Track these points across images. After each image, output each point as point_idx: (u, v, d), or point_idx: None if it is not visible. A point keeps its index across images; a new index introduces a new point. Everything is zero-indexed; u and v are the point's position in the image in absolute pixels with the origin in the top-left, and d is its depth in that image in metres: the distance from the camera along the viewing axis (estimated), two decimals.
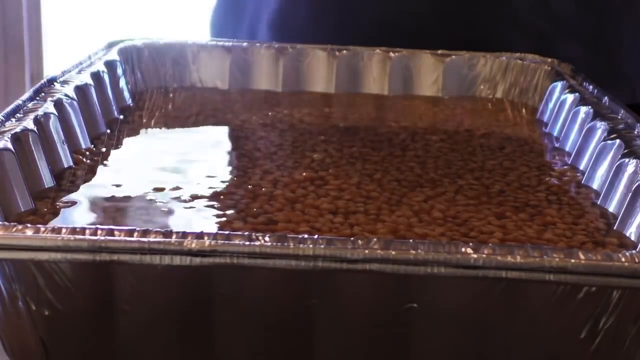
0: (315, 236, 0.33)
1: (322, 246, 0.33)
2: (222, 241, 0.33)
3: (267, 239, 0.33)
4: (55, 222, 0.41)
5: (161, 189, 0.45)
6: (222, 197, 0.44)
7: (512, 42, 0.66)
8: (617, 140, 0.46)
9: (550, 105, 0.59)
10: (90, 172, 0.47)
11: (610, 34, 0.69)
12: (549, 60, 0.64)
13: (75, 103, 0.50)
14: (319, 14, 0.68)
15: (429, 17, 0.67)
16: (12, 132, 0.43)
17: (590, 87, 0.57)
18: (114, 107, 0.56)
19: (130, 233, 0.33)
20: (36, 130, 0.44)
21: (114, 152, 0.51)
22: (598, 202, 0.45)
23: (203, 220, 0.42)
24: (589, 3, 0.68)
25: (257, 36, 0.70)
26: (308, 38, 0.65)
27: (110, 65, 0.58)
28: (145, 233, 0.33)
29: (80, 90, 0.52)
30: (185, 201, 0.44)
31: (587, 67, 0.62)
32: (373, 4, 0.67)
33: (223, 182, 0.47)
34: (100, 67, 0.56)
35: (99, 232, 0.33)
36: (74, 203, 0.43)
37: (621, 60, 0.70)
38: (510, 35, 0.67)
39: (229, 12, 0.75)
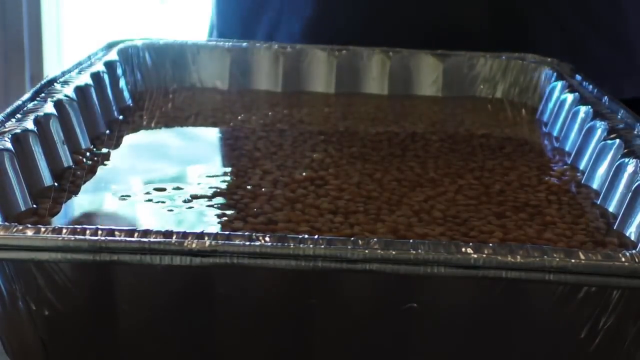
0: (315, 236, 0.33)
1: (322, 246, 0.33)
2: (223, 241, 0.33)
3: (267, 239, 0.33)
4: (55, 222, 0.41)
5: (161, 189, 0.45)
6: (222, 197, 0.44)
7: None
8: (617, 140, 0.46)
9: (550, 105, 0.59)
10: (90, 172, 0.47)
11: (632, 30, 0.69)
12: (549, 60, 0.63)
13: (75, 103, 0.50)
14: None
15: (484, 19, 0.67)
16: (12, 132, 0.43)
17: (590, 86, 0.57)
18: (113, 108, 0.56)
19: (130, 233, 0.33)
20: (36, 131, 0.44)
21: (113, 153, 0.50)
22: (598, 202, 0.45)
23: (203, 220, 0.42)
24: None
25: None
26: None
27: (110, 65, 0.58)
28: (145, 233, 0.33)
29: (80, 90, 0.52)
30: (185, 201, 0.44)
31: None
32: (416, 9, 0.67)
33: (223, 182, 0.47)
34: (100, 67, 0.56)
35: (99, 232, 0.33)
36: (74, 203, 0.43)
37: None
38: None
39: (238, 15, 0.74)
